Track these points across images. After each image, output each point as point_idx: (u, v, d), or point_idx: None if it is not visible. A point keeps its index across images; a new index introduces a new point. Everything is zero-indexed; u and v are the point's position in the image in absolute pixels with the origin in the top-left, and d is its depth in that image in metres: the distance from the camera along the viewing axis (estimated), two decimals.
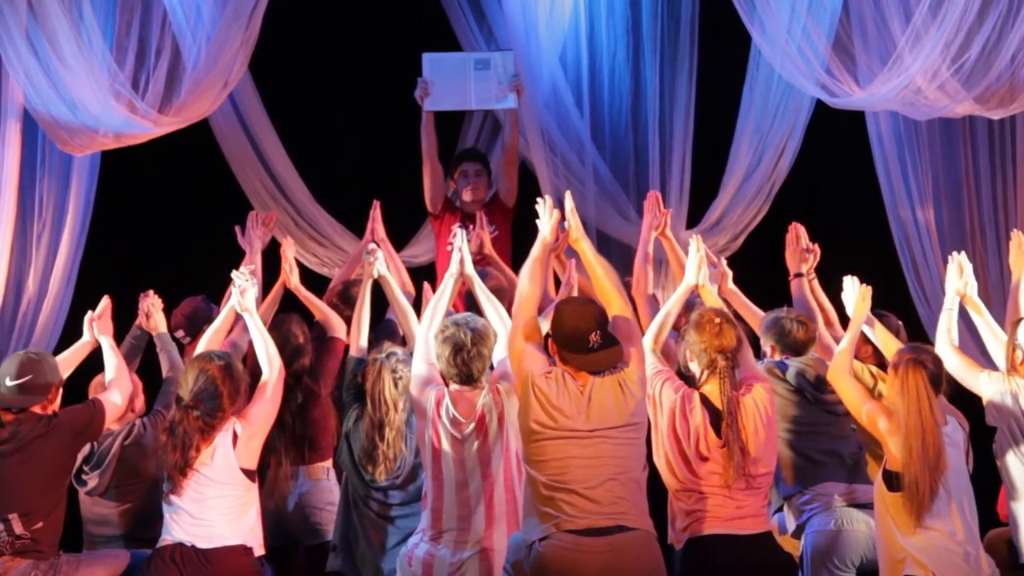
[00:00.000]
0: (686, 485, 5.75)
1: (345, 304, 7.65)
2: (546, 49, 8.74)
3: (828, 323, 7.52)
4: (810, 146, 8.68)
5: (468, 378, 5.99)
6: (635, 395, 5.53)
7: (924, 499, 5.80)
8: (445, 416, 5.96)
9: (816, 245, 7.29)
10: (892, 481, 5.86)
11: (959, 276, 6.71)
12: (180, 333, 7.74)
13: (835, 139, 8.69)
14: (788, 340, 6.63)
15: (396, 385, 6.39)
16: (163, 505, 6.24)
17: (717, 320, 5.93)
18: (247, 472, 6.21)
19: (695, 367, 5.98)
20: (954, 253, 6.74)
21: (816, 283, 7.48)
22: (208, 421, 6.18)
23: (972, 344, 7.38)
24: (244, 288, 6.48)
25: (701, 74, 8.78)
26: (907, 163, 8.42)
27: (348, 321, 7.29)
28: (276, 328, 7.26)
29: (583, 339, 5.53)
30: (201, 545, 6.13)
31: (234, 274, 6.48)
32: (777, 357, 6.63)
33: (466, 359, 5.97)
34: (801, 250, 7.29)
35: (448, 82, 8.49)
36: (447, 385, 6.04)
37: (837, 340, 6.77)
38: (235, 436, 6.21)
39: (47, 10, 7.73)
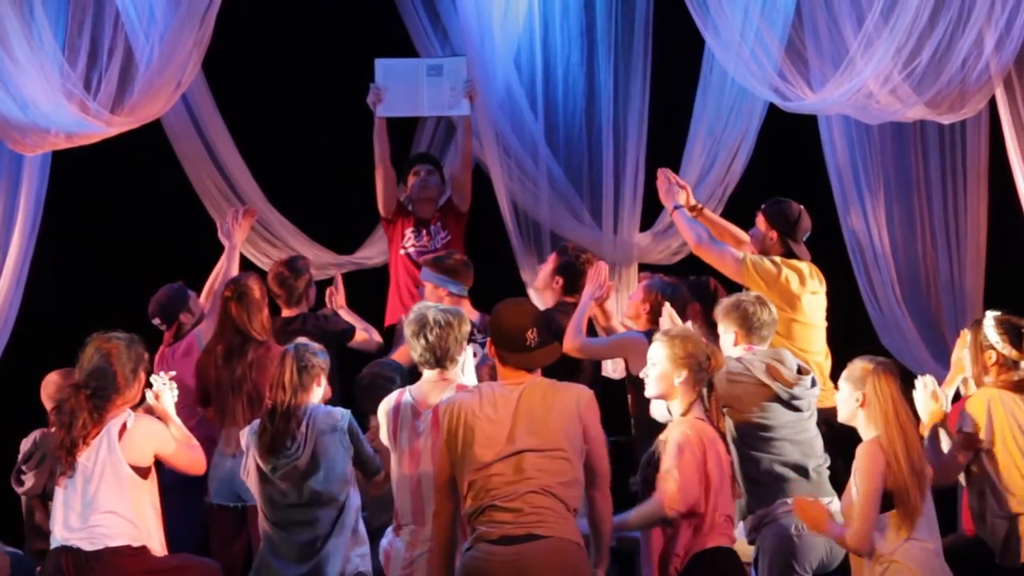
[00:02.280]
0: (718, 515, 5.74)
1: (292, 272, 7.72)
2: (500, 52, 8.73)
3: (738, 241, 7.63)
4: (763, 149, 8.72)
5: (438, 359, 5.97)
6: (567, 405, 5.45)
7: (916, 506, 5.72)
8: (404, 407, 5.96)
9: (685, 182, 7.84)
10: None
11: (933, 400, 6.49)
12: (157, 320, 7.77)
13: (788, 142, 8.72)
14: (752, 323, 6.53)
15: (299, 373, 6.28)
16: (54, 497, 6.13)
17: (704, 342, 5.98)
18: (138, 469, 6.08)
19: (675, 380, 5.93)
20: (924, 378, 6.53)
21: (708, 211, 7.88)
22: (98, 403, 6.09)
23: None
24: (158, 392, 6.34)
25: (655, 77, 8.79)
26: (859, 167, 8.46)
27: (291, 292, 7.64)
28: (234, 283, 7.30)
29: (520, 337, 5.53)
30: (86, 548, 6.00)
31: (153, 378, 6.38)
32: (742, 344, 6.57)
33: (430, 336, 5.94)
34: (671, 186, 7.69)
35: (400, 88, 8.50)
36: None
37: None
38: (124, 428, 6.08)
39: None
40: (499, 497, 5.37)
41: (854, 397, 5.91)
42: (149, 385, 6.37)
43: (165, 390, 6.33)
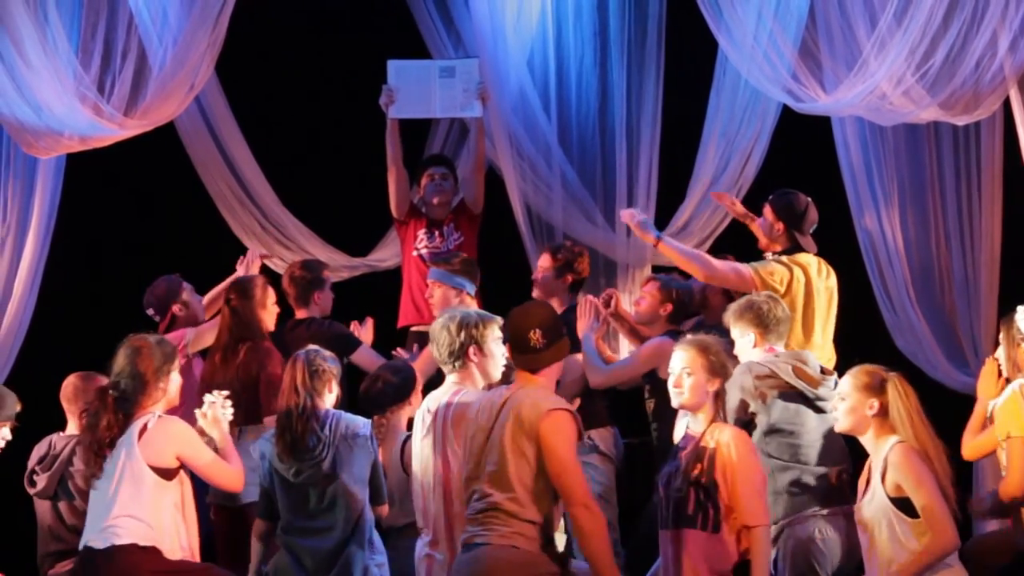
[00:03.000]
0: None
1: (302, 271, 7.81)
2: (513, 54, 8.73)
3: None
4: (777, 151, 8.70)
5: (444, 361, 6.08)
6: (525, 419, 5.47)
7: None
8: (418, 412, 6.14)
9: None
10: (912, 508, 5.79)
11: None
12: (150, 311, 7.80)
13: (801, 144, 8.70)
14: (768, 321, 6.53)
15: (310, 377, 6.29)
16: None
17: None
18: (159, 470, 6.02)
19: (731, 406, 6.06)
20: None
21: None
22: (124, 404, 6.06)
23: None
24: (205, 412, 6.31)
25: (668, 79, 8.78)
26: (872, 168, 8.43)
27: (297, 291, 7.70)
28: (234, 283, 7.36)
29: (524, 338, 5.60)
30: (97, 546, 5.99)
31: (207, 396, 6.38)
32: (761, 346, 6.54)
33: (438, 340, 6.06)
34: (641, 220, 7.51)
35: (413, 90, 8.50)
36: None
37: None
38: (144, 428, 6.03)
39: (11, 12, 7.68)
40: (469, 511, 5.56)
41: (867, 405, 5.88)
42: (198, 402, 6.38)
43: (216, 407, 6.32)
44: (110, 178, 8.91)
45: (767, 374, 6.36)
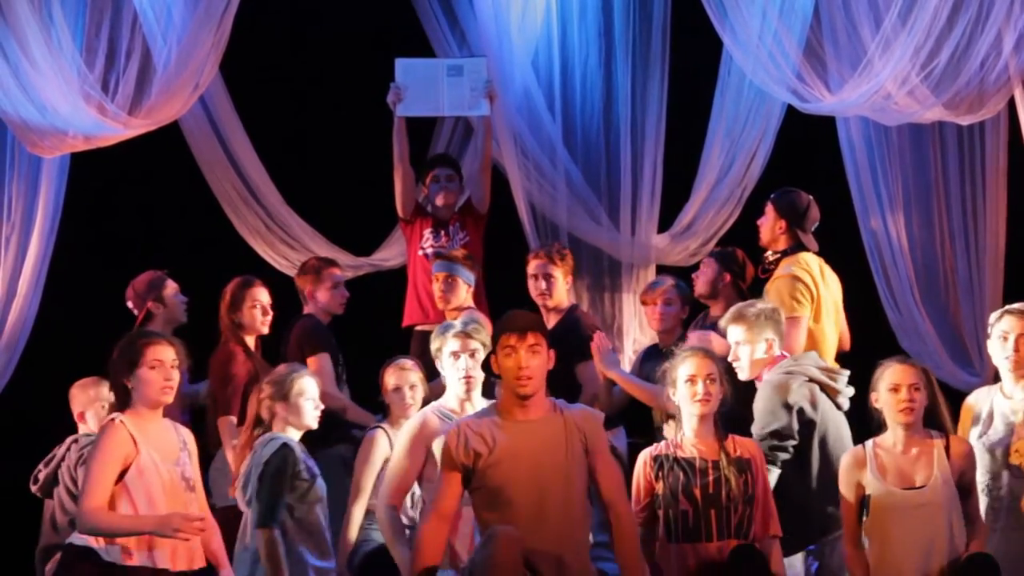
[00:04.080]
0: None
1: (303, 267, 7.91)
2: (518, 54, 8.71)
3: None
4: (781, 151, 8.70)
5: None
6: None
7: None
8: None
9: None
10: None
11: None
12: (129, 304, 7.79)
13: (806, 144, 8.70)
14: (782, 326, 6.62)
15: (258, 405, 6.22)
16: None
17: None
18: None
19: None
20: None
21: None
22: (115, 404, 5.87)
23: None
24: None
25: (673, 78, 8.77)
26: (877, 168, 8.44)
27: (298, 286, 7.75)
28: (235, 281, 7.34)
29: None
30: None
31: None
32: (776, 352, 6.56)
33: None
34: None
35: (421, 88, 8.48)
36: None
37: None
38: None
39: (16, 11, 7.68)
40: None
41: (925, 398, 6.00)
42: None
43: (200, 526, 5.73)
44: (114, 177, 8.91)
45: (807, 379, 6.41)
